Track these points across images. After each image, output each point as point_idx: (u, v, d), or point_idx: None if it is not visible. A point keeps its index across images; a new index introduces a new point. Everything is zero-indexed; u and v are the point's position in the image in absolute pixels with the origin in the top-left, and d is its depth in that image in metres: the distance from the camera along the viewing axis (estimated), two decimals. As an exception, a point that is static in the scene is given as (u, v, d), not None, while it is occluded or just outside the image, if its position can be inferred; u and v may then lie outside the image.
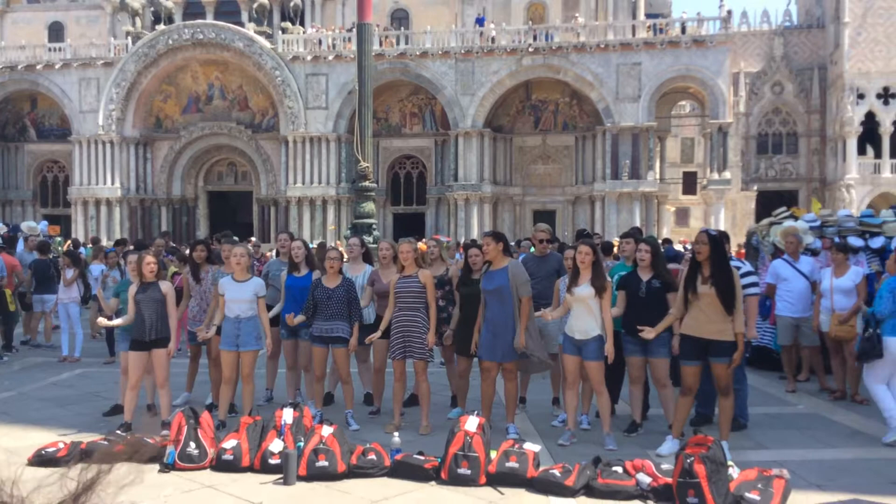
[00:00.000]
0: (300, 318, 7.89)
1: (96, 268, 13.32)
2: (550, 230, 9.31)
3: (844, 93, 44.75)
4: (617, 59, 39.79)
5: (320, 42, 42.80)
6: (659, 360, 7.40)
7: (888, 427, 7.36)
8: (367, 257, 9.37)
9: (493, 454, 6.06)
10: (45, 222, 26.52)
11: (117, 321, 8.10)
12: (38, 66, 44.44)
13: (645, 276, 7.44)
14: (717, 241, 6.73)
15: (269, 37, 43.23)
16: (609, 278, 7.52)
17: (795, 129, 50.18)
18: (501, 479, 5.88)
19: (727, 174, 41.22)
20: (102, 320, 8.54)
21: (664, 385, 7.55)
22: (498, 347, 7.30)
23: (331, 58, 42.04)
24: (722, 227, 39.63)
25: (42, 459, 6.51)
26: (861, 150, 45.66)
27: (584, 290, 7.10)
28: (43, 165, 48.30)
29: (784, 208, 13.08)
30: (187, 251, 10.67)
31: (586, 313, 7.12)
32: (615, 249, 10.45)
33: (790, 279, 9.89)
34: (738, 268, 7.66)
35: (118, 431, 7.22)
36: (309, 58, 42.26)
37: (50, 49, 45.30)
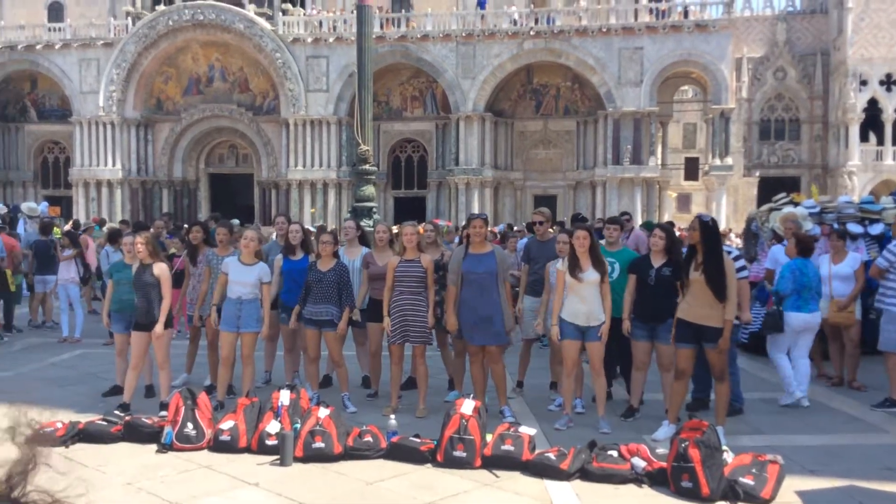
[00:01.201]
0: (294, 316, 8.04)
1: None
2: (549, 213, 9.30)
3: (847, 79, 44.54)
4: (619, 44, 39.63)
5: (321, 24, 42.62)
6: (665, 346, 7.41)
7: (785, 391, 8.26)
8: (364, 240, 9.37)
9: (489, 437, 6.09)
10: (46, 203, 26.51)
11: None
12: (38, 47, 44.29)
13: (657, 262, 7.39)
14: (709, 227, 6.77)
15: (269, 18, 43.04)
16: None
17: (798, 115, 49.98)
18: (497, 462, 5.91)
19: (729, 160, 41.16)
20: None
21: (668, 370, 7.58)
22: (480, 331, 7.31)
23: (331, 40, 41.88)
24: (724, 214, 39.62)
25: (39, 438, 6.52)
26: (863, 137, 45.49)
27: (591, 275, 7.09)
28: (44, 146, 48.23)
29: (784, 194, 13.06)
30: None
31: (592, 298, 7.12)
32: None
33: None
34: (728, 252, 7.67)
35: (116, 412, 7.24)
36: (310, 40, 42.10)
37: (50, 29, 45.13)
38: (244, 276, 7.75)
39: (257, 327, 7.85)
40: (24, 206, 20.69)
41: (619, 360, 8.11)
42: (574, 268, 7.16)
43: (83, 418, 6.97)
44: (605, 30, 39.68)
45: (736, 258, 7.68)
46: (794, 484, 5.54)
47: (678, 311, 6.85)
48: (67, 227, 17.99)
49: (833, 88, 47.49)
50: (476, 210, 39.97)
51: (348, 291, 7.93)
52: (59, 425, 6.68)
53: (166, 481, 5.67)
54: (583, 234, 7.19)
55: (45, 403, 7.93)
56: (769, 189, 39.30)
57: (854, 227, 11.10)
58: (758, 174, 48.17)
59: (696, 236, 6.69)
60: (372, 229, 12.41)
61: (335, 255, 8.00)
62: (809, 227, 11.23)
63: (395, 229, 9.89)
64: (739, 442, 6.52)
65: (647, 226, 13.63)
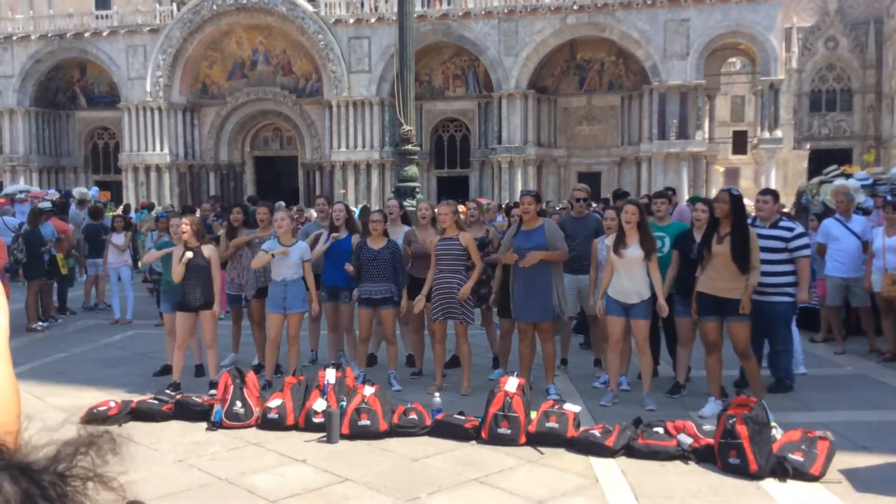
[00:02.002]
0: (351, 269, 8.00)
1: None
2: (589, 189, 9.22)
3: (902, 47, 43.23)
4: (664, 16, 38.92)
5: (363, 4, 42.60)
6: (688, 320, 7.32)
7: (800, 363, 8.31)
8: (406, 219, 9.39)
9: (533, 414, 6.08)
10: (97, 188, 27.04)
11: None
12: (86, 34, 45.04)
13: (700, 236, 7.25)
14: (739, 200, 6.72)
15: (311, 0, 43.15)
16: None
17: (850, 85, 48.71)
18: (541, 439, 5.90)
19: (779, 133, 40.29)
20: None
21: (684, 345, 7.54)
22: (533, 308, 7.28)
23: (373, 20, 41.86)
24: (773, 187, 38.84)
25: (93, 417, 6.70)
26: (919, 106, 44.20)
27: (634, 251, 7.02)
28: (93, 132, 49.18)
29: (835, 166, 12.76)
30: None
31: (636, 275, 7.05)
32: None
33: (841, 238, 9.66)
34: (792, 228, 7.53)
35: (167, 391, 7.39)
36: (351, 21, 42.13)
37: (97, 17, 45.85)
38: (285, 257, 7.82)
39: (303, 307, 7.92)
40: (76, 192, 21.14)
41: (666, 337, 8.04)
42: (619, 243, 7.09)
43: (135, 397, 7.13)
44: (650, 2, 38.98)
45: (799, 235, 7.52)
46: (845, 460, 5.44)
47: (698, 284, 6.80)
48: (118, 210, 18.36)
49: (887, 57, 46.09)
50: (519, 188, 39.80)
51: (402, 269, 7.98)
52: (112, 404, 6.85)
53: (216, 458, 5.78)
54: (632, 208, 7.10)
55: (98, 383, 8.15)
56: (820, 162, 38.42)
57: (909, 200, 10.79)
58: (808, 147, 47.13)
59: (725, 209, 6.62)
60: (414, 209, 12.44)
61: (385, 233, 8.03)
62: (862, 199, 10.96)
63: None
64: (789, 418, 6.41)
65: (693, 200, 13.37)
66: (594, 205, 14.52)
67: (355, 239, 8.26)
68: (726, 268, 6.61)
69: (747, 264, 6.58)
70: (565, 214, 9.45)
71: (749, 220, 7.40)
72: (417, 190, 15.46)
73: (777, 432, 5.59)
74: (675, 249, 7.44)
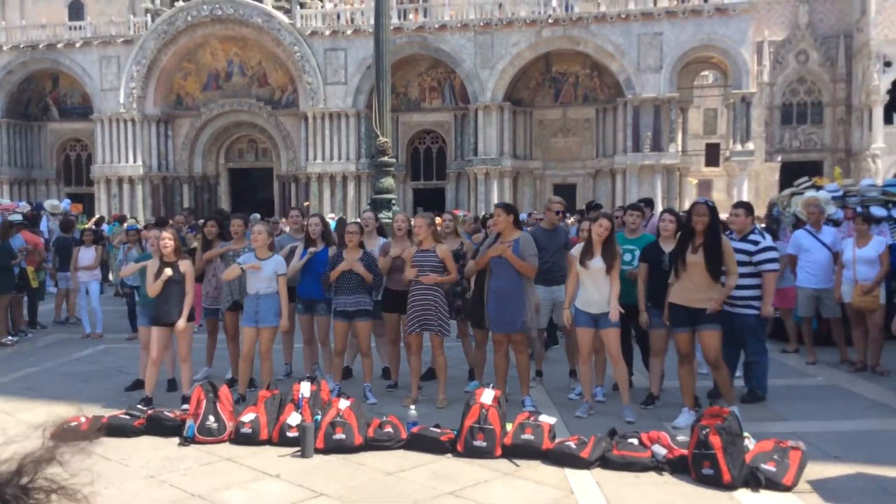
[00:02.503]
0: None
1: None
2: (564, 202, 9.28)
3: (871, 60, 43.91)
4: (638, 30, 39.32)
5: (339, 16, 42.65)
6: (665, 332, 7.36)
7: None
8: (381, 231, 9.39)
9: (509, 426, 6.08)
10: (68, 200, 26.78)
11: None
12: (59, 45, 44.66)
13: (667, 247, 7.31)
14: (715, 211, 6.82)
15: (287, 12, 43.13)
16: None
17: (820, 98, 49.38)
18: (517, 452, 5.90)
19: (750, 145, 40.78)
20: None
21: (657, 355, 7.59)
22: (506, 319, 7.30)
23: (349, 32, 41.89)
24: (745, 199, 39.25)
25: (64, 433, 6.59)
26: (887, 120, 44.84)
27: (598, 262, 7.07)
28: (66, 144, 48.69)
29: (806, 178, 12.92)
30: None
31: (601, 286, 7.09)
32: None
33: (812, 250, 9.77)
34: (757, 242, 7.60)
35: (139, 406, 7.30)
36: (327, 32, 42.14)
37: (70, 27, 45.51)
38: (257, 272, 7.74)
39: (275, 322, 7.82)
40: (47, 204, 20.93)
41: (641, 349, 8.08)
42: (585, 254, 7.14)
43: (106, 412, 7.05)
44: (623, 16, 39.38)
45: (767, 248, 7.60)
46: (817, 470, 5.49)
47: (670, 294, 6.85)
48: (90, 224, 18.17)
49: (856, 71, 46.86)
50: (495, 200, 39.90)
51: (378, 281, 7.98)
52: (83, 420, 6.74)
53: (189, 474, 5.72)
54: (606, 223, 7.14)
55: (69, 398, 8.03)
56: (791, 174, 38.86)
57: (878, 211, 10.96)
58: (780, 159, 47.68)
59: (706, 221, 6.68)
60: (391, 221, 12.43)
61: (361, 245, 8.02)
62: (832, 210, 11.11)
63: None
64: (762, 428, 6.46)
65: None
66: (570, 218, 14.59)
67: (332, 251, 8.24)
68: (700, 277, 6.68)
69: (720, 273, 6.63)
70: (537, 227, 9.46)
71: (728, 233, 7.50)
72: (393, 202, 15.46)
73: (750, 442, 5.63)
74: (642, 262, 7.47)
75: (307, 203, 40.93)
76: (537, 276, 8.56)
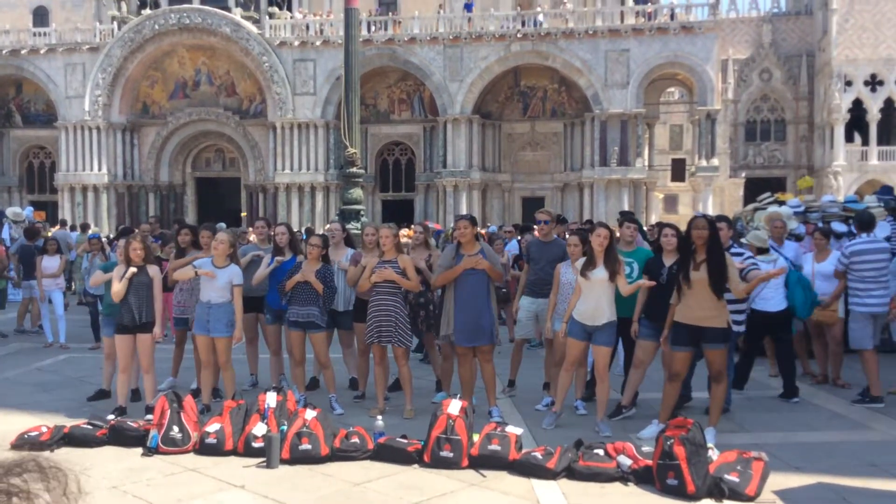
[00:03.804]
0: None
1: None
2: (554, 213, 9.32)
3: (832, 80, 44.82)
4: (605, 46, 39.75)
5: (308, 27, 42.57)
6: (656, 344, 7.40)
7: None
8: (350, 242, 9.37)
9: (476, 437, 6.09)
10: (31, 208, 26.33)
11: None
12: (23, 51, 44.01)
13: (668, 261, 7.28)
14: (714, 226, 6.80)
15: (256, 22, 42.95)
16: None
17: (783, 116, 50.32)
18: (484, 462, 5.91)
19: (715, 161, 41.34)
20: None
21: (637, 367, 7.64)
22: (474, 332, 7.32)
23: (318, 43, 41.83)
24: (710, 213, 39.73)
25: (24, 443, 6.50)
26: (849, 138, 45.79)
27: (600, 272, 7.04)
28: (29, 151, 47.91)
29: (769, 194, 13.15)
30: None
31: (601, 297, 7.07)
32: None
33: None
34: (741, 253, 7.76)
35: (112, 415, 7.19)
36: (296, 43, 42.04)
37: (35, 34, 44.86)
38: (211, 280, 7.62)
39: (227, 332, 7.66)
40: (10, 211, 20.54)
41: (625, 359, 8.13)
42: (588, 265, 7.11)
43: (68, 422, 6.93)
44: (591, 32, 39.79)
45: (748, 257, 7.78)
46: (779, 481, 5.57)
47: (676, 314, 6.76)
48: (52, 231, 17.88)
49: (818, 89, 47.80)
50: (464, 212, 39.95)
51: (330, 295, 7.91)
52: (45, 430, 6.65)
53: (152, 484, 5.65)
54: (604, 232, 7.14)
55: (30, 408, 7.90)
56: (755, 189, 39.53)
57: (838, 226, 11.17)
58: (744, 175, 48.45)
59: (705, 235, 6.59)
60: (359, 232, 12.42)
61: (323, 258, 7.99)
62: (794, 226, 11.30)
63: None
64: (725, 439, 6.55)
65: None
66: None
67: (300, 259, 8.22)
68: (704, 295, 6.56)
69: (723, 290, 6.58)
70: (532, 238, 9.48)
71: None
72: (362, 213, 15.48)
73: (713, 453, 5.70)
74: (646, 276, 7.42)
75: (244, 213, 40.72)
76: (525, 287, 8.58)
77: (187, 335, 8.94)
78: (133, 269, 7.56)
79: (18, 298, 14.78)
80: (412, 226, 10.57)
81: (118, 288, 7.58)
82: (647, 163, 42.57)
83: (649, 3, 40.61)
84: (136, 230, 14.15)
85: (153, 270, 7.79)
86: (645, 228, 14.34)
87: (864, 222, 8.89)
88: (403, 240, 9.42)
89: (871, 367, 8.25)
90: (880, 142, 45.36)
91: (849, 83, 44.90)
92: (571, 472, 5.70)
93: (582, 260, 7.28)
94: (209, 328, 7.64)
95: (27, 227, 15.41)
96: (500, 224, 27.94)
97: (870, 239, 8.71)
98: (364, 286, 7.66)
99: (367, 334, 7.68)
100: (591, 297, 7.09)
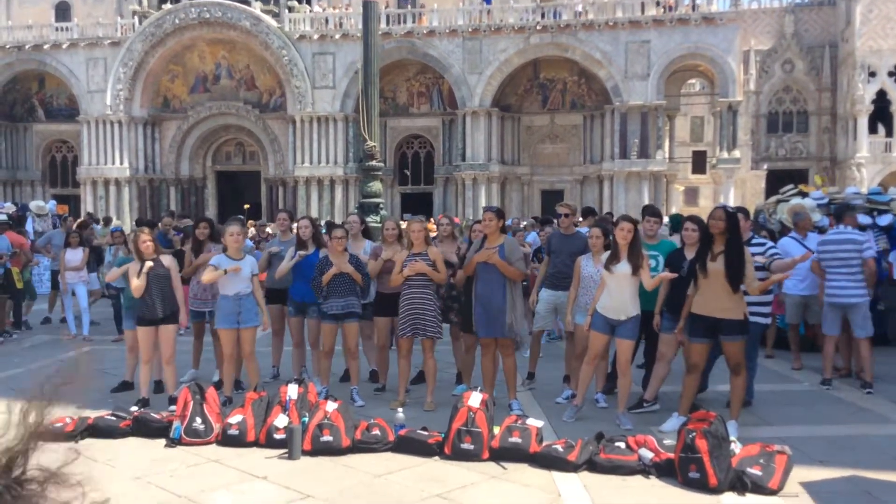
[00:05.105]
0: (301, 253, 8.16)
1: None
2: (574, 206, 9.27)
3: (855, 70, 44.33)
4: (626, 37, 39.52)
5: (327, 21, 42.65)
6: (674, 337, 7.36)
7: None
8: (367, 234, 9.40)
9: (497, 430, 6.09)
10: (54, 202, 26.58)
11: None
12: (46, 46, 44.43)
13: (690, 254, 7.18)
14: (734, 217, 6.69)
15: (275, 15, 43.09)
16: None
17: (806, 107, 49.83)
18: (504, 455, 5.91)
19: (737, 153, 41.03)
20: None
21: (661, 360, 7.58)
22: (492, 323, 7.31)
23: (337, 36, 41.89)
24: (731, 205, 39.45)
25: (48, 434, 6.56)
26: (872, 129, 45.29)
27: (623, 267, 6.98)
28: (51, 145, 48.42)
29: (792, 186, 13.01)
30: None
31: (625, 291, 7.02)
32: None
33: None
34: (763, 243, 7.73)
35: (134, 407, 7.26)
36: (316, 36, 42.12)
37: (57, 29, 45.29)
38: (237, 273, 7.66)
39: (257, 321, 7.81)
40: (33, 205, 20.75)
41: (646, 353, 8.08)
42: (612, 259, 7.06)
43: (92, 414, 7.00)
44: (611, 23, 39.57)
45: (770, 247, 7.73)
46: (802, 474, 5.52)
47: (693, 305, 6.71)
48: (75, 223, 17.99)
49: (841, 80, 47.29)
50: (483, 205, 39.96)
51: (367, 282, 8.01)
52: (69, 421, 6.70)
53: (175, 475, 5.69)
54: (628, 225, 7.07)
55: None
56: (777, 182, 39.16)
57: (863, 218, 11.04)
58: (765, 167, 48.04)
59: (721, 226, 6.52)
60: (378, 225, 12.44)
61: (345, 249, 8.02)
62: (818, 218, 11.19)
63: (402, 225, 9.87)
64: (748, 433, 6.50)
65: (674, 219, 13.19)
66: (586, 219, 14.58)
67: (323, 253, 8.24)
68: (721, 287, 6.49)
69: (740, 283, 6.50)
70: (553, 231, 9.46)
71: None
72: (381, 206, 15.46)
73: (736, 446, 5.66)
74: (668, 268, 7.32)
75: (247, 206, 40.92)
76: (545, 279, 8.56)
77: (205, 327, 9.00)
78: (149, 264, 7.60)
79: (47, 291, 14.95)
80: (432, 219, 10.57)
81: (137, 284, 7.61)
82: (667, 155, 42.34)
83: (670, -6, 40.30)
84: (159, 224, 14.24)
85: (168, 260, 7.84)
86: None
87: (836, 214, 9.32)
88: (429, 234, 9.42)
89: (828, 350, 8.77)
90: (904, 133, 44.84)
91: (872, 74, 44.40)
92: (592, 465, 5.69)
93: (606, 253, 7.24)
94: (239, 320, 7.68)
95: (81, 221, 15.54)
96: (515, 218, 27.80)
97: (838, 230, 8.96)
98: (397, 280, 7.65)
99: (402, 328, 7.68)
100: (615, 292, 7.04)
